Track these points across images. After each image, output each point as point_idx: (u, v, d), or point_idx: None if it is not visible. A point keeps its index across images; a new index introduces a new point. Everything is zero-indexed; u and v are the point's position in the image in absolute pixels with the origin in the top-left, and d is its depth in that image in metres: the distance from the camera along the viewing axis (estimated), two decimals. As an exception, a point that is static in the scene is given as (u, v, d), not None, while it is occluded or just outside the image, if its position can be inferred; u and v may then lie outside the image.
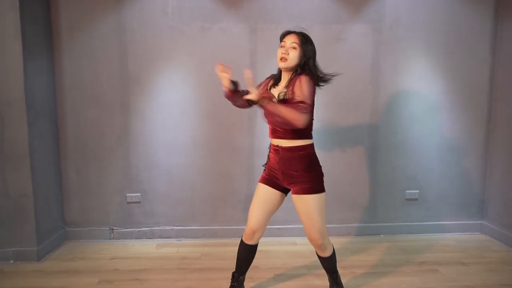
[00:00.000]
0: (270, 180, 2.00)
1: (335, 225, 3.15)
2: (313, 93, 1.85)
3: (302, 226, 2.05)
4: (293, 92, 1.83)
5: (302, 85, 1.81)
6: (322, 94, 2.92)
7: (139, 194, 3.07)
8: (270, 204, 2.00)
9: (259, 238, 2.05)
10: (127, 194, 3.06)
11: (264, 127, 2.93)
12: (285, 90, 1.88)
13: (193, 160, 3.06)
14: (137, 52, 2.93)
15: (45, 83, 2.79)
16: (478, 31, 3.06)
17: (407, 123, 3.11)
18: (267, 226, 2.12)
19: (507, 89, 2.95)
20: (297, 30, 1.99)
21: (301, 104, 1.76)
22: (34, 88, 2.63)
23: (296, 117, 1.72)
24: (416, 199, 3.20)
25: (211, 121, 3.03)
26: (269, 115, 1.85)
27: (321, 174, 1.96)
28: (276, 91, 1.95)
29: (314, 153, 1.96)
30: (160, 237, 3.11)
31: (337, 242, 3.05)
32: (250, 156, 3.07)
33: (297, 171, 1.90)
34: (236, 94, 1.96)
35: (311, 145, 1.94)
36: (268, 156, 2.03)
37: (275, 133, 1.95)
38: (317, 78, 1.91)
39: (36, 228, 2.66)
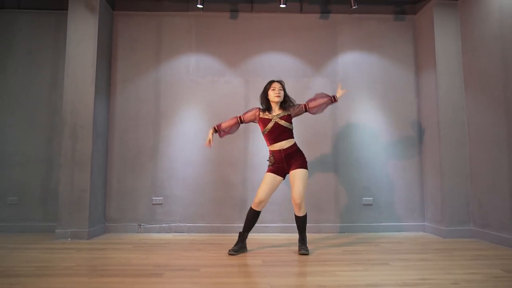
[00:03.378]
0: (275, 171, 3.12)
1: (309, 225, 4.10)
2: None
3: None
4: (299, 106, 3.18)
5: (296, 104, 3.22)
6: (296, 125, 4.17)
7: (162, 197, 4.13)
8: (273, 185, 3.11)
9: (263, 207, 3.11)
10: (153, 198, 4.13)
11: (255, 147, 4.10)
12: (284, 112, 3.14)
13: (203, 172, 4.17)
14: (167, 96, 4.25)
15: (104, 115, 4.07)
16: (405, 81, 4.35)
17: (359, 146, 4.25)
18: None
19: (430, 121, 4.12)
20: (277, 79, 3.27)
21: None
22: (98, 117, 3.90)
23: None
24: (371, 205, 4.19)
25: (216, 143, 4.20)
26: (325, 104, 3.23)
27: (306, 159, 3.14)
28: (273, 114, 3.15)
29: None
30: (176, 231, 4.09)
31: (311, 238, 4.01)
32: (245, 170, 4.18)
33: (295, 158, 3.08)
34: (224, 132, 3.28)
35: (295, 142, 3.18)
36: (273, 157, 3.13)
37: (277, 140, 3.09)
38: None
39: (89, 216, 3.70)
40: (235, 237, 3.80)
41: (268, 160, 3.17)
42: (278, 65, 4.33)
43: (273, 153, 3.13)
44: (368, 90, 4.33)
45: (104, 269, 2.54)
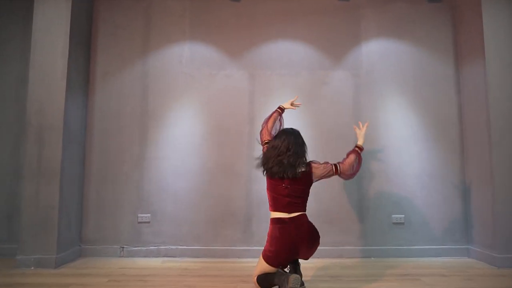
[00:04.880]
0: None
1: (327, 248, 3.38)
2: None
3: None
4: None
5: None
6: (311, 128, 3.45)
7: (149, 214, 3.43)
8: None
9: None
10: (139, 215, 3.43)
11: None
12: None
13: (198, 184, 3.46)
14: (156, 92, 3.55)
15: (80, 115, 3.39)
16: (442, 75, 3.60)
17: (388, 152, 3.51)
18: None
19: (476, 122, 3.37)
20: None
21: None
22: (70, 118, 3.22)
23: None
24: (402, 223, 3.44)
25: (214, 150, 3.50)
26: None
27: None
28: None
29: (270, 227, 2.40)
30: (166, 255, 3.38)
31: (329, 263, 3.28)
32: (249, 181, 3.47)
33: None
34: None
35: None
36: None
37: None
38: None
39: (57, 239, 3.01)
40: (235, 264, 3.11)
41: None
42: (289, 56, 3.61)
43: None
44: (398, 85, 3.59)
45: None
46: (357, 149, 2.56)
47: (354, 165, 2.49)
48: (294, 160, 2.33)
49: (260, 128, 2.63)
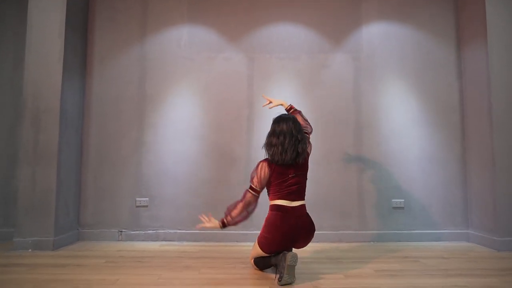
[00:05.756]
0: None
1: (326, 232, 3.37)
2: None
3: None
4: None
5: None
6: (310, 112, 3.42)
7: (147, 198, 3.41)
8: None
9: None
10: (137, 199, 3.40)
11: (260, 140, 3.35)
12: None
13: (197, 168, 3.44)
14: (154, 76, 3.51)
15: (77, 99, 3.35)
16: (444, 59, 3.56)
17: (388, 137, 3.48)
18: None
19: (476, 108, 3.34)
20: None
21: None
22: (67, 102, 3.18)
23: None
24: (402, 208, 3.42)
25: (213, 134, 3.47)
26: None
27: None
28: None
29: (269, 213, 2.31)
30: (164, 239, 3.36)
31: (328, 247, 3.27)
32: (247, 165, 3.44)
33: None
34: (231, 223, 2.35)
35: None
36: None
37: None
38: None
39: (54, 222, 2.99)
40: (234, 247, 3.10)
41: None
42: (289, 39, 3.57)
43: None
44: (399, 69, 3.55)
45: (50, 302, 1.82)
46: (290, 109, 2.57)
47: (306, 124, 2.51)
48: (302, 147, 2.25)
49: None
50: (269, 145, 2.28)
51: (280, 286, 2.08)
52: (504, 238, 3.00)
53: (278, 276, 2.12)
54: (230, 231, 3.35)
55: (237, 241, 3.34)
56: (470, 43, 3.42)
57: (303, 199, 2.29)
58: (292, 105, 2.57)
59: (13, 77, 3.48)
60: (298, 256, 2.30)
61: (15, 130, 3.45)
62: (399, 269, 2.46)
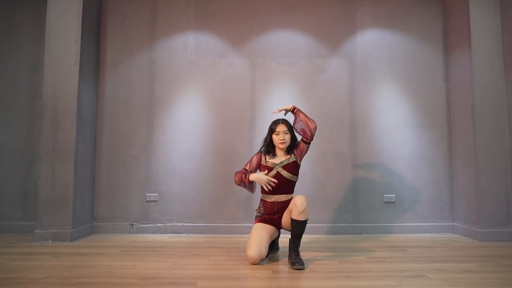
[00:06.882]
0: (265, 221, 2.65)
1: (323, 225, 3.63)
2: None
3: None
4: (299, 145, 2.69)
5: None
6: (308, 113, 3.66)
7: (156, 194, 3.66)
8: (267, 232, 2.60)
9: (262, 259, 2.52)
10: (147, 194, 3.65)
11: (261, 139, 3.60)
12: (289, 158, 2.66)
13: (202, 166, 3.69)
14: (162, 80, 3.76)
15: (91, 101, 3.59)
16: (432, 64, 3.83)
17: (380, 136, 3.75)
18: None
19: (462, 108, 3.60)
20: (282, 118, 2.77)
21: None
22: (83, 103, 3.42)
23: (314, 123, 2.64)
24: (393, 202, 3.69)
25: (218, 134, 3.72)
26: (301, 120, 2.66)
27: None
28: (277, 160, 2.67)
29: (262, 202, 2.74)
30: (172, 232, 3.62)
31: (325, 238, 3.53)
32: (250, 163, 3.69)
33: (284, 209, 2.64)
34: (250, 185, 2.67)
35: None
36: (263, 208, 2.66)
37: (274, 192, 2.61)
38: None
39: (72, 214, 3.24)
40: (238, 238, 3.36)
41: (256, 210, 2.73)
42: (288, 45, 3.82)
43: (264, 203, 2.68)
44: (391, 73, 3.81)
45: (79, 283, 2.07)
46: (294, 109, 2.73)
47: (305, 122, 2.65)
48: (292, 145, 2.69)
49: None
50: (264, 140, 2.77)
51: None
52: (485, 229, 3.28)
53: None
54: (235, 223, 3.62)
55: (240, 233, 3.59)
56: (456, 48, 3.69)
57: (291, 192, 2.70)
58: (295, 106, 2.81)
59: (31, 80, 3.72)
60: (300, 247, 2.55)
61: (32, 130, 3.68)
62: (389, 256, 2.73)
